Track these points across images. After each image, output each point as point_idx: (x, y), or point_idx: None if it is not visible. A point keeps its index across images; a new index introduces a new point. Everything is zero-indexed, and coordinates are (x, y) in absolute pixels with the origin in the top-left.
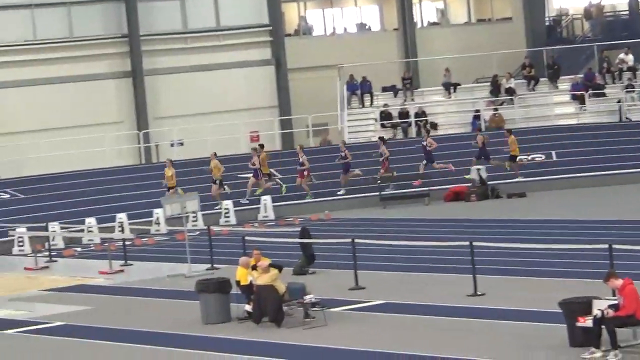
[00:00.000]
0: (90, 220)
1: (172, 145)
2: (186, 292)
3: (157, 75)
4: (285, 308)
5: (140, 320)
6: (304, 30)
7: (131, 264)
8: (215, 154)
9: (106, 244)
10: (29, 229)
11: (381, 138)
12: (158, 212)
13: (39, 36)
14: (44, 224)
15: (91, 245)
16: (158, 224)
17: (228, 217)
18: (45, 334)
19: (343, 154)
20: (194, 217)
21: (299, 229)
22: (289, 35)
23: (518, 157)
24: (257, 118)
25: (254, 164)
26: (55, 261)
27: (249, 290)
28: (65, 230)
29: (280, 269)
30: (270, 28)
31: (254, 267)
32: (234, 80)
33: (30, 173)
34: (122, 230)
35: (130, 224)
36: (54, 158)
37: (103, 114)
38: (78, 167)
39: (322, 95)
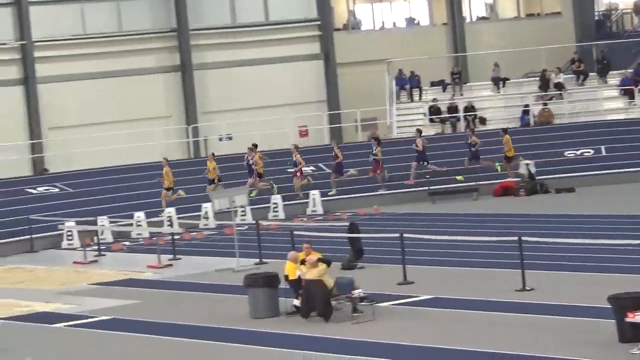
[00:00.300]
0: (139, 215)
1: (220, 139)
2: (234, 286)
3: (206, 69)
4: (333, 302)
5: (188, 315)
6: (352, 24)
7: (180, 258)
8: (213, 154)
9: (155, 238)
10: (77, 223)
11: (376, 138)
12: (207, 207)
13: (89, 31)
14: (93, 218)
15: (140, 239)
16: (207, 218)
17: (277, 211)
18: (93, 327)
19: (336, 154)
20: (242, 211)
21: (347, 223)
22: (338, 29)
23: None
24: (305, 112)
25: (255, 164)
26: (104, 255)
27: (297, 285)
28: (114, 224)
29: (328, 263)
30: (319, 22)
31: (303, 262)
32: (283, 75)
33: (79, 167)
34: (171, 225)
35: (178, 218)
36: (102, 152)
37: (151, 109)
38: (127, 162)
39: (371, 90)
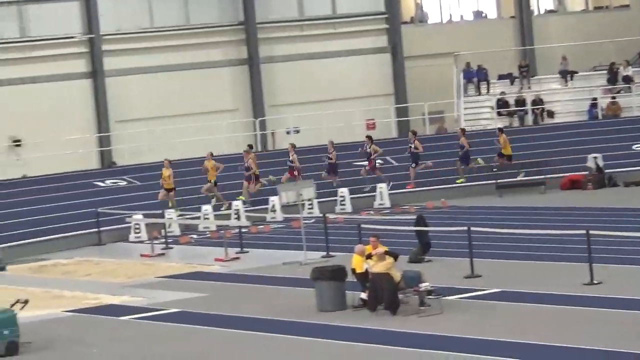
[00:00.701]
0: (207, 208)
1: (288, 132)
2: (301, 279)
3: (273, 63)
4: (400, 296)
5: (255, 308)
6: (420, 17)
7: (247, 252)
8: (211, 153)
9: (222, 232)
10: (145, 216)
11: (369, 137)
12: (274, 200)
13: (156, 24)
14: (161, 211)
15: (207, 232)
16: (274, 211)
17: (344, 204)
18: (160, 320)
19: (330, 155)
20: (309, 204)
21: (414, 216)
22: (405, 22)
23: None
24: (372, 106)
25: (250, 168)
26: (171, 248)
27: (364, 278)
28: (182, 217)
29: (396, 256)
30: (387, 16)
31: (370, 255)
32: (350, 68)
33: (146, 160)
34: (238, 218)
35: (246, 211)
36: (170, 145)
37: (218, 102)
38: (194, 155)
39: (438, 83)
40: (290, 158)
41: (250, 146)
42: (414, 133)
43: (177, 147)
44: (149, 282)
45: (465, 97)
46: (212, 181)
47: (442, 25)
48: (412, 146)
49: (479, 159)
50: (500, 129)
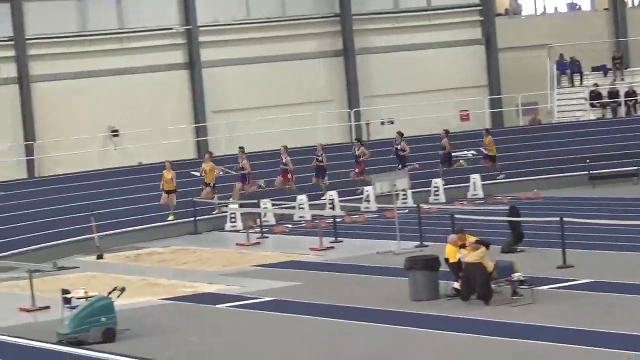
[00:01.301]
0: (302, 197)
1: (382, 123)
2: (395, 268)
3: (368, 54)
4: (493, 285)
5: (349, 297)
6: (514, 9)
7: (341, 241)
8: (211, 153)
9: (317, 221)
10: (241, 205)
11: (358, 139)
12: (368, 190)
13: (252, 16)
14: (256, 201)
15: (302, 222)
16: (368, 201)
17: (437, 195)
18: (255, 308)
19: (320, 157)
20: (403, 195)
21: (507, 207)
22: (499, 14)
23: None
24: (466, 97)
25: (243, 168)
26: (267, 237)
27: (457, 268)
28: (277, 207)
29: (487, 246)
30: (481, 8)
31: (463, 245)
32: (444, 60)
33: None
34: (333, 208)
35: (340, 201)
36: (265, 135)
37: (314, 93)
38: (290, 145)
39: (532, 75)
40: (284, 160)
41: (242, 148)
42: (400, 134)
43: (273, 137)
44: (244, 271)
45: (558, 88)
46: (212, 184)
47: (535, 17)
48: (399, 147)
49: (461, 161)
50: (487, 130)
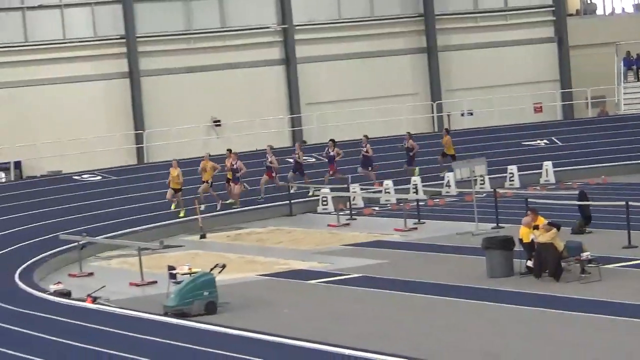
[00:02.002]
0: (388, 183)
1: (462, 115)
2: (473, 248)
3: (450, 51)
4: (563, 264)
5: (430, 273)
6: (584, 10)
7: (423, 223)
8: (209, 154)
9: (401, 204)
10: (332, 189)
11: (332, 140)
12: (449, 176)
13: (344, 16)
14: (345, 186)
15: (388, 204)
16: (449, 186)
17: (512, 180)
18: (344, 284)
19: (269, 159)
20: (481, 180)
21: (577, 192)
22: (571, 15)
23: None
24: (539, 91)
25: (232, 166)
26: (355, 219)
27: (530, 248)
28: (365, 191)
29: (558, 227)
30: (554, 9)
31: (536, 227)
32: (519, 56)
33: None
34: (416, 192)
35: (423, 186)
36: (354, 126)
37: (399, 86)
38: (377, 135)
39: (600, 70)
40: (269, 160)
41: (230, 150)
42: (367, 137)
43: (362, 127)
44: (335, 250)
45: (625, 83)
46: (209, 181)
47: (604, 17)
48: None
49: (416, 169)
50: (447, 130)
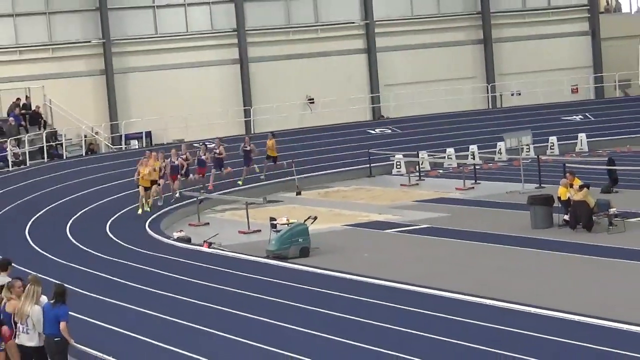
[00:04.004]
0: (450, 150)
1: (512, 94)
2: (520, 204)
3: (502, 42)
4: (594, 218)
5: (485, 225)
6: (614, 8)
7: (479, 183)
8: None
9: (461, 168)
10: (405, 155)
11: (219, 138)
12: (500, 144)
13: (415, 13)
14: (416, 152)
15: (450, 168)
16: (500, 153)
17: (553, 149)
18: (414, 233)
19: (217, 150)
20: (527, 148)
21: (606, 158)
22: (602, 12)
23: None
24: (575, 75)
25: (220, 154)
26: (423, 180)
27: (567, 204)
28: (431, 157)
29: (588, 187)
30: (588, 7)
31: (571, 186)
32: (559, 46)
33: (407, 114)
34: (474, 158)
35: (479, 153)
36: (424, 103)
37: (461, 71)
38: (442, 111)
39: (627, 58)
40: (218, 151)
41: (220, 138)
42: (220, 139)
43: (431, 104)
44: (406, 205)
45: None
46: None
47: (630, 14)
48: (217, 152)
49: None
50: (272, 134)
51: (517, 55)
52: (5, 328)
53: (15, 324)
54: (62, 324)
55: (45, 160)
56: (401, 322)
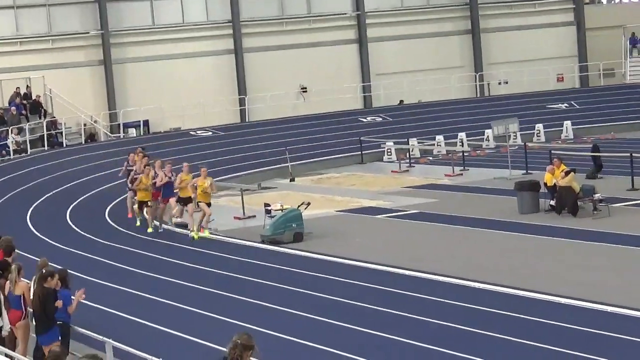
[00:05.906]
0: (439, 137)
1: (499, 83)
2: (507, 190)
3: (490, 33)
4: (579, 203)
5: (473, 210)
6: None
7: (468, 169)
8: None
9: (450, 154)
10: (395, 143)
11: (141, 148)
12: (488, 132)
13: (405, 4)
14: (406, 140)
15: (439, 155)
16: (488, 140)
17: (539, 136)
18: (404, 218)
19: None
20: (514, 135)
21: (591, 145)
22: (587, 3)
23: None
24: (561, 64)
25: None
26: (413, 166)
27: (553, 190)
28: (421, 144)
29: (575, 171)
30: None
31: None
32: (545, 36)
33: (395, 103)
34: (462, 145)
35: (468, 140)
36: (413, 92)
37: (449, 61)
38: (431, 99)
39: (611, 48)
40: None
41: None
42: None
43: (419, 93)
44: (396, 191)
45: (630, 58)
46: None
47: (614, 5)
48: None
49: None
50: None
51: (504, 45)
52: (12, 311)
53: (26, 306)
54: (69, 309)
55: (46, 148)
56: (392, 304)
